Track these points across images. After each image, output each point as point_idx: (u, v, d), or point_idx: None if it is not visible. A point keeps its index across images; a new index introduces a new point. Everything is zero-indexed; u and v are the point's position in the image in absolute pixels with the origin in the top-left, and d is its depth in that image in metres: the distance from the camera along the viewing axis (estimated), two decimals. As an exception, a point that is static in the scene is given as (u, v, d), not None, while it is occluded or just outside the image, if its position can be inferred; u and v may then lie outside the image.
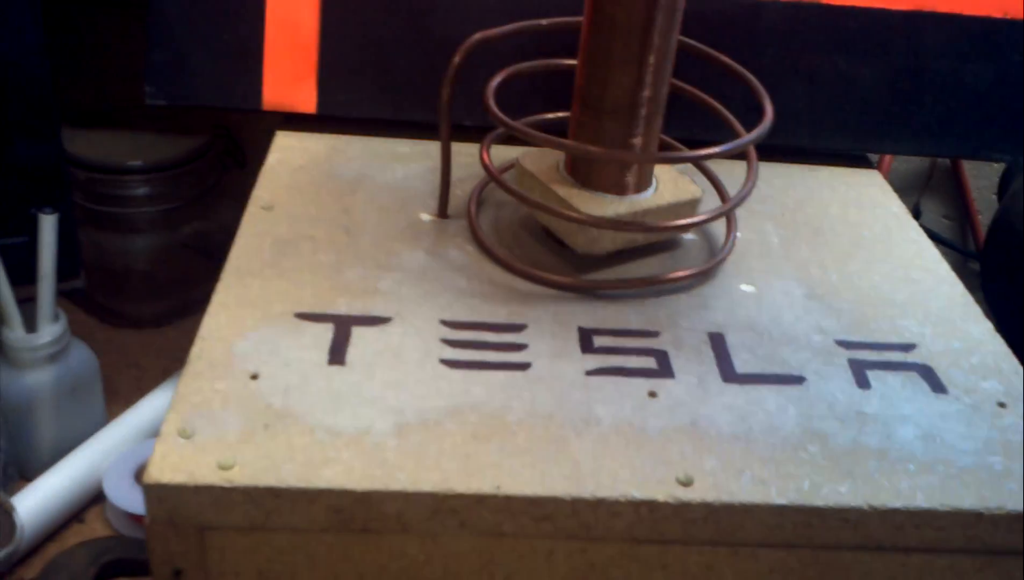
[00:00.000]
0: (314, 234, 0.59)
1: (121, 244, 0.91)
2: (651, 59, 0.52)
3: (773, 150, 0.71)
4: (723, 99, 0.61)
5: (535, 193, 0.58)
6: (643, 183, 0.57)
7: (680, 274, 0.57)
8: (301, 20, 0.69)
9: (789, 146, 0.72)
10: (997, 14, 0.71)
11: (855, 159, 0.74)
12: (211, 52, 0.69)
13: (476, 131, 0.62)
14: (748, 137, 0.54)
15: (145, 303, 0.94)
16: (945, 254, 0.65)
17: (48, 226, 0.72)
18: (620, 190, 0.57)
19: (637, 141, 0.55)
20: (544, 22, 0.60)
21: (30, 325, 0.72)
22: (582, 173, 0.57)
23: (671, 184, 0.59)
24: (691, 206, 0.58)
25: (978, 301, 0.60)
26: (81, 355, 0.76)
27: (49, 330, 0.72)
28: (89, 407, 0.77)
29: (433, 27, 0.69)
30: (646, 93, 0.54)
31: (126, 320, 0.93)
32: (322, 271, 0.55)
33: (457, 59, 0.57)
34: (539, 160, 0.59)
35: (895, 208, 0.69)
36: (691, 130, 0.66)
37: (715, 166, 0.65)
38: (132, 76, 0.77)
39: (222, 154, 0.94)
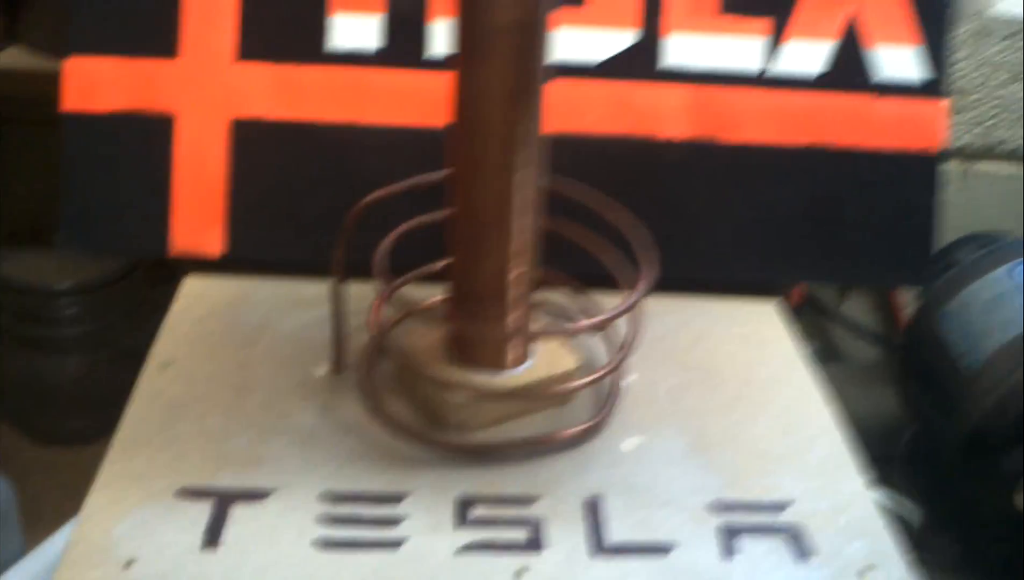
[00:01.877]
0: (207, 394, 0.60)
1: (51, 363, 0.92)
2: (512, 246, 0.54)
3: (677, 282, 0.73)
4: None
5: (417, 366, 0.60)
6: (520, 358, 0.59)
7: (561, 435, 0.58)
8: (208, 166, 0.71)
9: (694, 278, 0.74)
10: (894, 146, 0.74)
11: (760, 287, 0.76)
12: (119, 201, 0.71)
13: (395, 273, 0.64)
14: (619, 309, 0.56)
15: (74, 419, 0.95)
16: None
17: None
18: (497, 365, 0.58)
19: (510, 318, 0.57)
20: (434, 176, 0.62)
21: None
22: (460, 350, 0.59)
23: (548, 354, 0.61)
24: (567, 376, 0.60)
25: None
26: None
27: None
28: (4, 539, 0.78)
29: (341, 169, 0.71)
30: (512, 275, 0.55)
31: (55, 437, 0.94)
32: (209, 438, 0.57)
33: (348, 223, 0.59)
34: (424, 335, 0.61)
35: (787, 346, 0.71)
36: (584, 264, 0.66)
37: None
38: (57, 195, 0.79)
39: (151, 269, 0.96)
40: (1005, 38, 0.96)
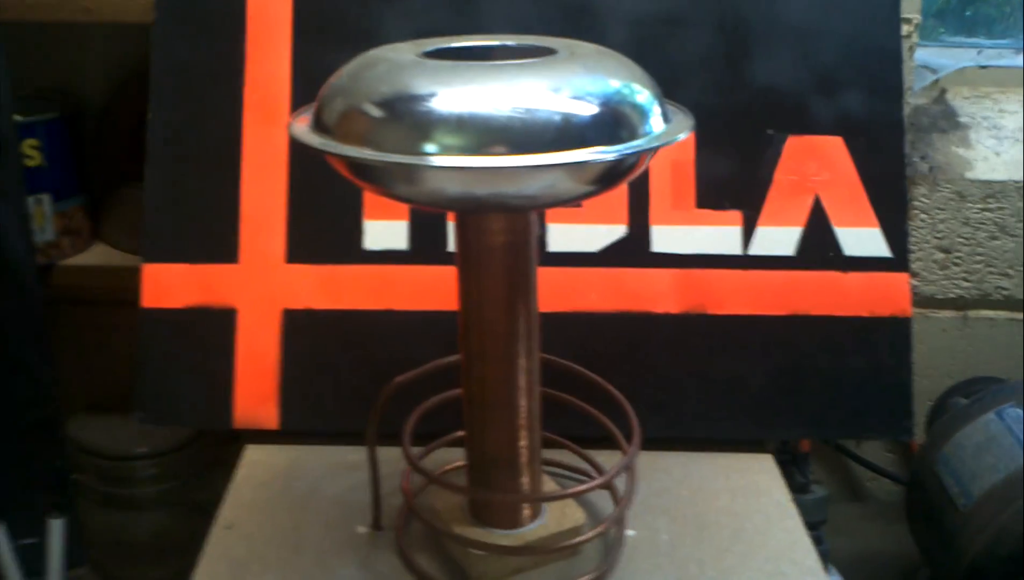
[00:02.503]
0: (265, 553, 0.70)
1: (129, 519, 1.03)
2: (518, 420, 0.64)
3: (673, 441, 0.82)
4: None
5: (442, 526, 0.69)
6: (534, 516, 0.68)
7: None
8: (265, 351, 0.82)
9: (687, 438, 0.83)
10: (864, 313, 0.83)
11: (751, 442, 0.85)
12: (189, 382, 0.82)
13: (425, 437, 0.73)
14: (603, 478, 0.66)
15: (151, 570, 1.05)
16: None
17: (56, 530, 0.84)
18: (512, 523, 0.68)
19: (524, 481, 0.66)
20: (450, 360, 0.72)
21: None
22: (478, 511, 0.68)
23: (557, 510, 0.70)
24: (575, 531, 0.69)
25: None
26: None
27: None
28: None
29: (379, 351, 0.82)
30: (519, 444, 0.65)
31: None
32: (266, 594, 0.66)
33: (379, 403, 0.70)
34: (448, 497, 0.71)
35: (779, 495, 0.79)
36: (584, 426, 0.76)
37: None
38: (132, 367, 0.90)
39: (217, 434, 1.07)
40: (984, 198, 1.06)
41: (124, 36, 0.97)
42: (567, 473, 0.77)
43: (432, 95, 0.52)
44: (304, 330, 0.82)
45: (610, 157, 0.53)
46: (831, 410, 0.83)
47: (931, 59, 1.13)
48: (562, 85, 0.53)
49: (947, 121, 1.11)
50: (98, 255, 1.02)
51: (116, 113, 1.07)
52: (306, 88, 0.82)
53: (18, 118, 0.87)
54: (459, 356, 0.67)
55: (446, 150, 0.51)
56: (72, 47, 1.05)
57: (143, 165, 0.83)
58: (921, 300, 1.10)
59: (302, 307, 0.82)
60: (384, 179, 0.55)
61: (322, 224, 0.82)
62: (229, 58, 0.83)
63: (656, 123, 0.56)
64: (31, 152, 0.97)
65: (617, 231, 0.83)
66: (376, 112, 0.53)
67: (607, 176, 0.55)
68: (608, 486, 0.73)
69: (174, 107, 0.83)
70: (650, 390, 0.79)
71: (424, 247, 0.82)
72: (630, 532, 0.73)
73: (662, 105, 0.57)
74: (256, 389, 0.82)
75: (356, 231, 0.82)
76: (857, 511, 1.21)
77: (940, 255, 1.09)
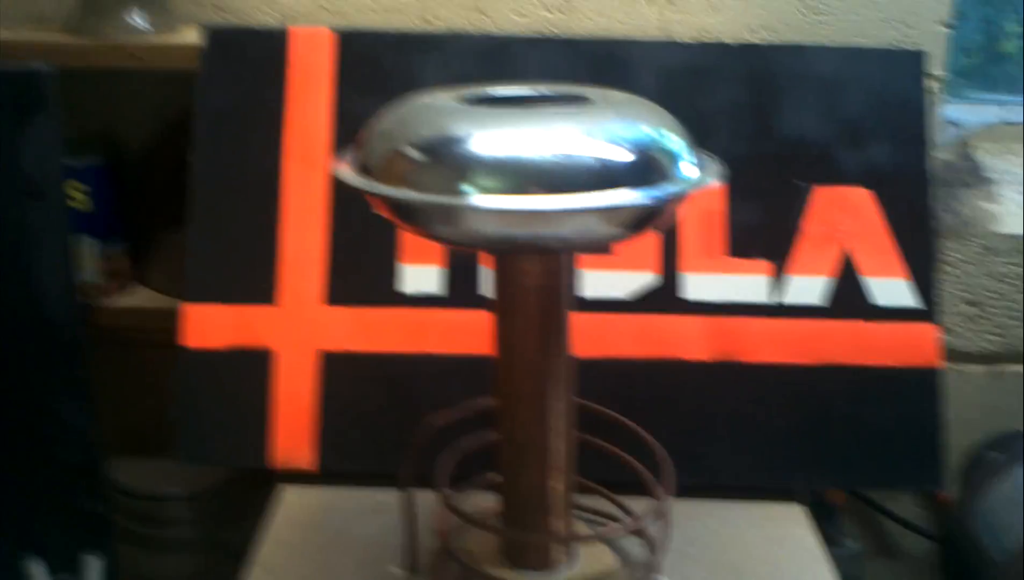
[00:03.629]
0: (301, 596, 0.71)
1: (164, 561, 1.04)
2: (550, 463, 0.65)
3: (703, 487, 0.82)
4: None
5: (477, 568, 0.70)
6: (568, 560, 0.69)
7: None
8: (301, 392, 0.83)
9: (716, 484, 0.83)
10: (892, 363, 0.83)
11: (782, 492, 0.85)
12: (227, 422, 0.84)
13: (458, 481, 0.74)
14: (635, 521, 0.66)
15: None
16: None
17: (93, 569, 0.85)
18: (545, 566, 0.68)
19: (556, 523, 0.67)
20: (483, 403, 0.73)
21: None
22: (512, 553, 0.69)
23: (589, 554, 0.70)
24: (607, 575, 0.69)
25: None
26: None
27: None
28: None
29: (414, 394, 0.83)
30: (551, 488, 0.66)
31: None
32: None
33: (413, 447, 0.71)
34: (483, 539, 0.71)
35: (810, 544, 0.79)
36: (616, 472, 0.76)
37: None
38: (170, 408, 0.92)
39: (251, 476, 1.08)
40: (1010, 252, 1.06)
41: (168, 83, 1.00)
42: (601, 519, 0.78)
43: (472, 138, 0.54)
44: (340, 372, 0.83)
45: (645, 201, 0.54)
46: (860, 459, 0.83)
47: (956, 115, 1.14)
48: (597, 130, 0.55)
49: (972, 176, 1.12)
50: (138, 298, 1.04)
51: (159, 159, 1.10)
52: (346, 134, 0.85)
53: (67, 162, 0.90)
54: (493, 399, 0.68)
55: (485, 191, 0.53)
56: (118, 93, 1.08)
57: (184, 210, 0.85)
58: (951, 354, 1.10)
59: (339, 349, 0.83)
60: (424, 219, 0.56)
61: (359, 268, 0.84)
62: (271, 104, 0.86)
63: (688, 169, 0.57)
64: (78, 196, 1.00)
65: (648, 278, 0.84)
66: (417, 154, 0.55)
67: (640, 220, 0.57)
68: (641, 531, 0.73)
69: (216, 152, 0.86)
70: (681, 435, 0.80)
71: (459, 291, 0.84)
72: (662, 579, 0.73)
73: (694, 152, 0.58)
74: (293, 430, 0.83)
75: (392, 275, 0.84)
76: (890, 567, 1.20)
77: (969, 309, 1.09)
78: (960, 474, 1.10)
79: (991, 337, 1.09)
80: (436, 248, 0.84)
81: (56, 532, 0.91)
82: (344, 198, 0.85)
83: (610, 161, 0.54)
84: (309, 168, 0.85)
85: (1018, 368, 1.11)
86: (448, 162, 0.54)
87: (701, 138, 0.61)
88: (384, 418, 0.83)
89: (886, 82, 0.86)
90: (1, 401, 0.87)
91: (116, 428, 1.06)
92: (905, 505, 1.19)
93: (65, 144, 0.85)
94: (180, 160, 0.89)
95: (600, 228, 0.56)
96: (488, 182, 0.53)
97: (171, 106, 1.08)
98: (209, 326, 0.84)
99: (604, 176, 0.54)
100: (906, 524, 1.17)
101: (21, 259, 0.85)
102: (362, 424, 0.84)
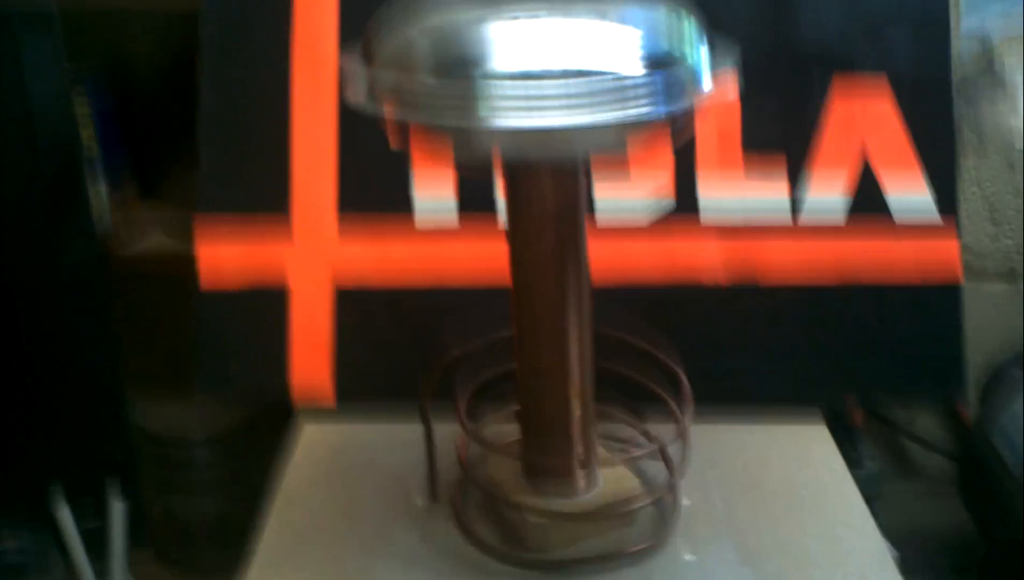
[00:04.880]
0: (325, 524, 0.71)
1: (188, 503, 1.05)
2: (571, 389, 0.65)
3: (724, 402, 0.82)
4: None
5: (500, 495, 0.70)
6: (589, 484, 0.69)
7: (627, 552, 0.68)
8: (318, 329, 0.83)
9: (738, 401, 0.83)
10: (913, 279, 0.83)
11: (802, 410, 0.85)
12: (246, 360, 0.83)
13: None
14: (656, 444, 0.66)
15: (210, 553, 1.07)
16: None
17: (118, 514, 0.85)
18: (568, 491, 0.68)
19: (578, 449, 0.67)
20: (503, 335, 0.73)
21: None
22: (534, 480, 0.69)
23: (613, 478, 0.70)
24: (631, 498, 0.69)
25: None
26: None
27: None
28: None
29: (429, 326, 0.83)
30: (573, 413, 0.66)
31: (194, 569, 1.06)
32: (327, 561, 0.68)
33: (434, 374, 0.71)
34: (505, 467, 0.71)
35: (833, 464, 0.79)
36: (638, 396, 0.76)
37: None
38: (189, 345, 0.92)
39: (272, 417, 1.09)
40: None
41: (175, 20, 0.98)
42: (622, 444, 0.78)
43: (484, 54, 0.52)
44: (356, 306, 0.83)
45: (661, 110, 0.53)
46: (881, 375, 0.83)
47: (980, 25, 1.11)
48: (613, 39, 0.53)
49: (996, 89, 1.10)
50: (155, 239, 1.04)
51: (166, 98, 1.09)
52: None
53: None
54: (512, 327, 0.67)
55: (497, 108, 0.51)
56: (125, 32, 1.06)
57: (194, 150, 0.85)
58: (973, 272, 1.09)
59: (354, 284, 0.83)
60: (431, 135, 0.55)
61: (373, 199, 0.83)
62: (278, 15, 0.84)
63: (704, 76, 0.56)
64: (85, 140, 0.99)
65: (665, 202, 0.83)
66: (428, 76, 0.54)
67: (656, 127, 0.56)
68: (662, 454, 0.73)
69: (223, 69, 0.85)
70: (701, 357, 0.79)
71: (474, 222, 0.83)
72: (686, 502, 0.73)
73: (710, 55, 0.57)
74: (310, 365, 0.83)
75: (407, 208, 0.83)
76: (909, 486, 1.20)
77: (990, 226, 1.08)
78: (979, 391, 1.10)
79: (1014, 254, 1.09)
80: (451, 179, 0.83)
81: (81, 477, 0.92)
82: (355, 125, 0.83)
83: (626, 69, 0.53)
84: (318, 85, 0.84)
85: (1038, 284, 1.10)
86: (458, 76, 0.52)
87: (717, 36, 0.59)
88: (401, 352, 0.83)
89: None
90: (27, 350, 0.87)
91: (137, 371, 1.06)
92: (924, 426, 1.19)
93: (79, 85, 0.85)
94: (188, 98, 0.87)
95: (614, 138, 0.55)
96: (500, 95, 0.52)
97: (178, 44, 1.06)
98: (224, 265, 0.84)
99: (619, 85, 0.52)
100: (924, 443, 1.17)
101: (34, 202, 0.84)
102: (379, 358, 0.83)
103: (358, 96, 0.57)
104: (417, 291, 0.83)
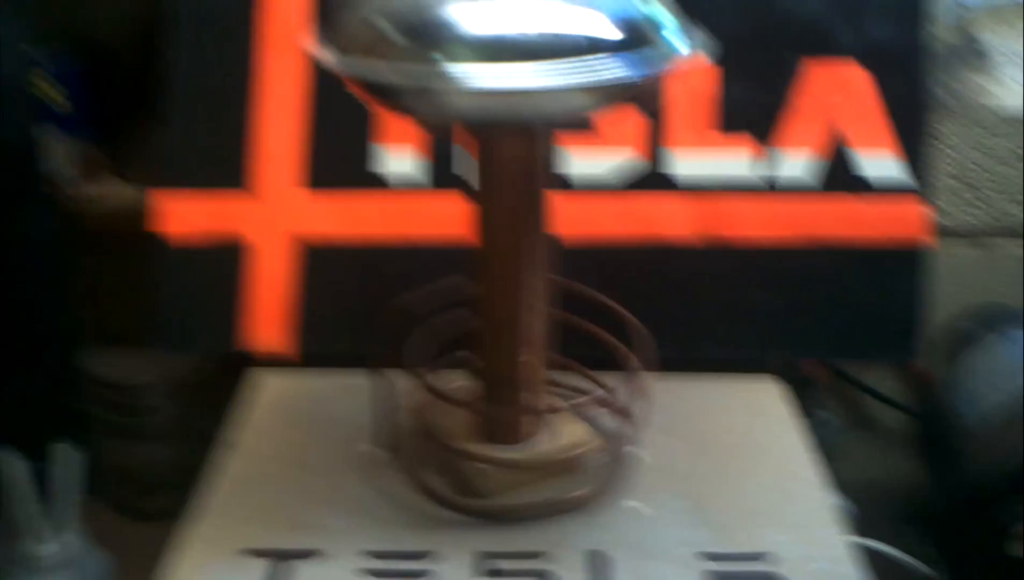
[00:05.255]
0: (270, 471, 0.71)
1: (139, 449, 1.04)
2: (522, 338, 0.65)
3: (683, 362, 0.82)
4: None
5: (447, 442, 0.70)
6: (540, 433, 0.69)
7: (570, 499, 0.68)
8: (279, 279, 0.82)
9: (698, 358, 0.83)
10: (879, 238, 0.83)
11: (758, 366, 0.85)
12: (204, 311, 0.82)
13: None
14: (620, 385, 0.66)
15: (161, 498, 1.06)
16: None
17: (72, 459, 0.84)
18: (516, 439, 0.68)
19: (528, 397, 0.67)
20: (452, 281, 0.72)
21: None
22: (485, 429, 0.69)
23: (566, 430, 0.70)
24: (577, 447, 0.69)
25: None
26: (96, 563, 0.88)
27: (66, 540, 0.84)
28: (104, 608, 0.89)
29: (394, 279, 0.82)
30: (526, 359, 0.66)
31: (145, 515, 1.06)
32: (271, 508, 0.67)
33: (387, 320, 0.70)
34: (454, 415, 0.71)
35: (783, 417, 0.79)
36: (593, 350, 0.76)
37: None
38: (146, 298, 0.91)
39: (227, 365, 1.08)
40: (998, 125, 1.05)
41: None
42: (579, 396, 0.78)
43: (449, 10, 0.52)
44: (318, 258, 0.82)
45: (629, 75, 0.53)
46: (842, 334, 0.83)
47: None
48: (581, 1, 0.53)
49: (974, 55, 1.09)
50: (113, 188, 1.03)
51: (138, 57, 1.07)
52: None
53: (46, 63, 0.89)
54: (473, 278, 0.67)
55: (462, 66, 0.51)
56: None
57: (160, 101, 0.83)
58: (941, 232, 1.09)
59: (316, 235, 0.82)
60: (399, 97, 0.55)
61: (337, 152, 0.82)
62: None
63: (675, 41, 0.55)
64: (57, 98, 0.99)
65: (633, 158, 0.82)
66: (391, 28, 0.53)
67: (624, 95, 0.55)
68: (614, 405, 0.73)
69: (189, 38, 0.83)
70: (662, 314, 0.79)
71: (438, 175, 0.82)
72: (635, 450, 0.73)
73: (681, 24, 0.56)
74: (270, 317, 0.83)
75: (370, 159, 0.82)
76: (867, 440, 1.21)
77: (960, 187, 1.08)
78: (941, 349, 1.10)
79: (975, 209, 1.09)
80: (415, 131, 0.82)
81: (32, 424, 0.91)
82: (322, 81, 0.82)
83: (594, 33, 0.52)
84: (285, 49, 0.82)
85: (1006, 242, 1.11)
86: (424, 36, 0.52)
87: (691, 10, 0.58)
88: (363, 304, 0.82)
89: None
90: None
91: (92, 320, 1.05)
92: (881, 381, 1.20)
93: (43, 45, 0.84)
94: (158, 57, 0.86)
95: (582, 102, 0.55)
96: (466, 55, 0.51)
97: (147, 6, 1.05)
98: (184, 216, 0.83)
99: (588, 49, 0.52)
100: (883, 398, 1.18)
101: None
102: (341, 310, 0.83)
103: (318, 50, 0.56)
104: (381, 242, 0.82)
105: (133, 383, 1.01)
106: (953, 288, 1.11)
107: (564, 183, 0.82)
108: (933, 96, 1.00)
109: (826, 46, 0.83)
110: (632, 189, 0.82)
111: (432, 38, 0.52)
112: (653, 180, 0.82)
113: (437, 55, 0.51)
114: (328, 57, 0.56)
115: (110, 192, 1.05)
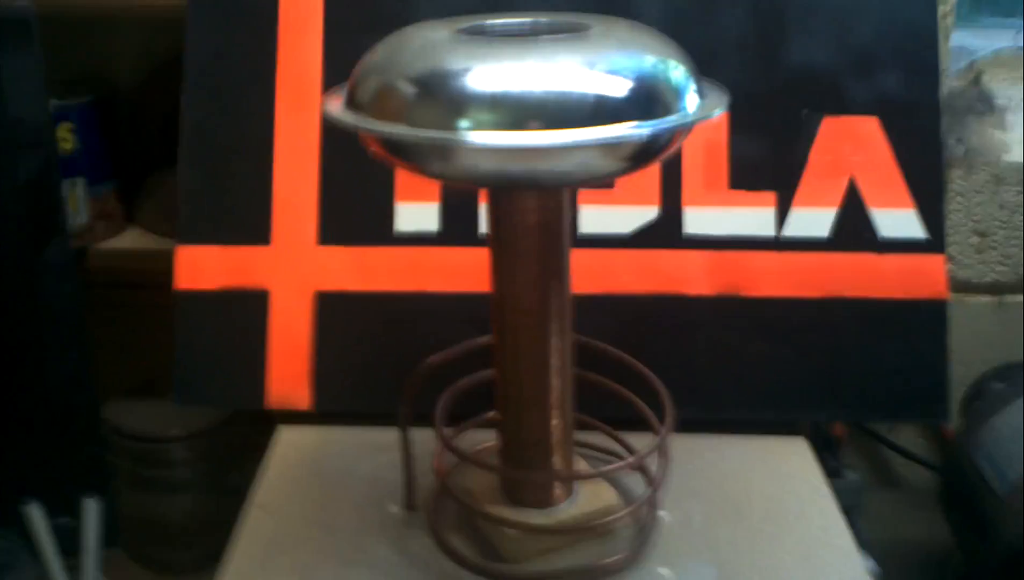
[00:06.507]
0: (298, 532, 0.71)
1: (163, 501, 1.04)
2: (550, 400, 0.64)
3: (706, 424, 0.82)
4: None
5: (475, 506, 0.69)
6: (567, 497, 0.69)
7: (601, 566, 0.67)
8: (297, 332, 0.82)
9: (720, 420, 0.82)
10: (899, 295, 0.82)
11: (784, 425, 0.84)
12: (223, 364, 0.82)
13: (457, 419, 0.73)
14: (634, 457, 0.65)
15: (184, 551, 1.06)
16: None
17: (90, 510, 0.84)
18: (544, 504, 0.68)
19: (556, 461, 0.66)
20: (482, 341, 0.72)
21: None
22: (511, 491, 0.68)
23: (589, 491, 0.70)
24: (607, 511, 0.69)
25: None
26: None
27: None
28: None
29: (412, 334, 0.82)
30: (551, 425, 0.65)
31: (168, 568, 1.05)
32: (299, 571, 0.67)
33: (410, 384, 0.70)
34: (481, 477, 0.71)
35: (813, 479, 0.78)
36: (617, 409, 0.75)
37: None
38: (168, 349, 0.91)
39: (251, 417, 1.08)
40: (1020, 182, 1.05)
41: (158, 23, 0.97)
42: (601, 455, 0.77)
43: (467, 71, 0.52)
44: (336, 312, 0.82)
45: (644, 133, 0.52)
46: (866, 393, 0.82)
47: (967, 41, 1.11)
48: (597, 61, 0.53)
49: (982, 103, 1.09)
50: (132, 239, 1.03)
51: (149, 99, 1.08)
52: (338, 71, 0.82)
53: (53, 102, 0.88)
54: (491, 337, 0.67)
55: (480, 126, 0.51)
56: (106, 34, 1.06)
57: (176, 150, 0.84)
58: (957, 285, 1.09)
59: (334, 289, 0.82)
60: (418, 156, 0.55)
61: (354, 207, 0.82)
62: (262, 42, 0.83)
63: (691, 100, 0.55)
64: (65, 136, 0.98)
65: (650, 213, 0.82)
66: (410, 89, 0.53)
67: (641, 153, 0.55)
68: (641, 468, 0.72)
69: (207, 92, 0.84)
70: (682, 372, 0.79)
71: (455, 229, 0.82)
72: (664, 516, 0.73)
73: (697, 82, 0.57)
74: (289, 370, 0.82)
75: (388, 214, 0.82)
76: (890, 498, 1.20)
77: (976, 239, 1.08)
78: (962, 405, 1.09)
79: (998, 267, 1.08)
80: (432, 186, 0.82)
81: (54, 475, 0.91)
82: (337, 137, 0.82)
83: (610, 92, 0.52)
84: (302, 107, 0.83)
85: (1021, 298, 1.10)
86: (442, 97, 0.52)
87: (706, 68, 0.59)
88: (381, 358, 0.82)
89: (897, 8, 0.83)
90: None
91: (115, 371, 1.05)
92: (906, 436, 1.19)
93: (52, 85, 0.84)
94: (170, 99, 0.86)
95: (599, 162, 0.54)
96: (485, 117, 0.51)
97: (163, 46, 1.06)
98: (203, 268, 0.83)
99: (604, 109, 0.52)
100: (907, 455, 1.17)
101: (11, 207, 0.83)
102: (359, 364, 0.82)
103: (337, 109, 0.56)
104: (398, 296, 0.82)
105: (156, 435, 1.00)
106: (970, 337, 1.11)
107: (580, 238, 0.82)
108: (948, 149, 1.00)
109: (841, 102, 0.83)
110: (648, 245, 0.82)
111: (449, 97, 0.52)
112: (669, 236, 0.82)
113: (456, 119, 0.51)
114: (345, 115, 0.56)
115: (128, 240, 1.05)
